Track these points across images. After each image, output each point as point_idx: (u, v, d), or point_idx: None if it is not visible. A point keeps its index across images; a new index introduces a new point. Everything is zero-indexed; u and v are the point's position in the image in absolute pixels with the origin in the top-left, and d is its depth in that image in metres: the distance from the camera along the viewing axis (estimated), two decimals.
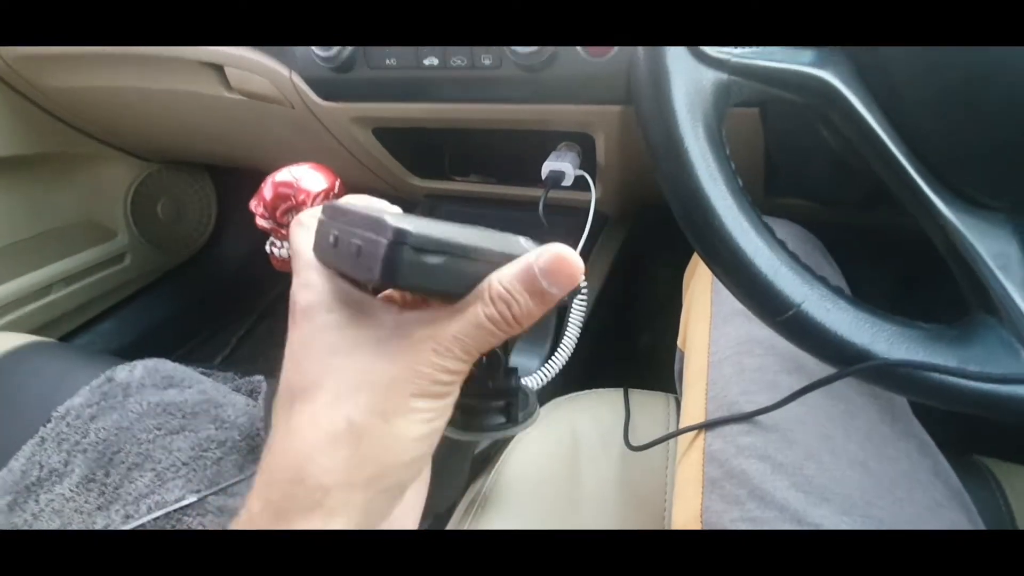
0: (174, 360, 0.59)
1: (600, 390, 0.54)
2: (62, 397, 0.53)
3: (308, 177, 0.34)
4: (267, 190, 0.33)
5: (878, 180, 0.29)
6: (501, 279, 0.18)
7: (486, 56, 0.47)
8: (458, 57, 0.48)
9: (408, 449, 0.19)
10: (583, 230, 0.58)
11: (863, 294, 0.41)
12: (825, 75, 0.26)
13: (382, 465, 0.18)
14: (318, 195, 0.34)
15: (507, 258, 0.19)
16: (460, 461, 0.39)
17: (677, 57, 0.25)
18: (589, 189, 0.58)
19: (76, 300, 0.94)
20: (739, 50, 0.26)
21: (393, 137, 0.63)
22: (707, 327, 0.40)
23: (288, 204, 0.33)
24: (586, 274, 0.57)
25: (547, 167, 0.56)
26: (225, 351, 1.09)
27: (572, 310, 0.59)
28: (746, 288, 0.26)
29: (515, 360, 0.57)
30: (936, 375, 0.23)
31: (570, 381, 0.58)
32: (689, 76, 0.25)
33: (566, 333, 0.58)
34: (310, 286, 0.20)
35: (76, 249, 0.94)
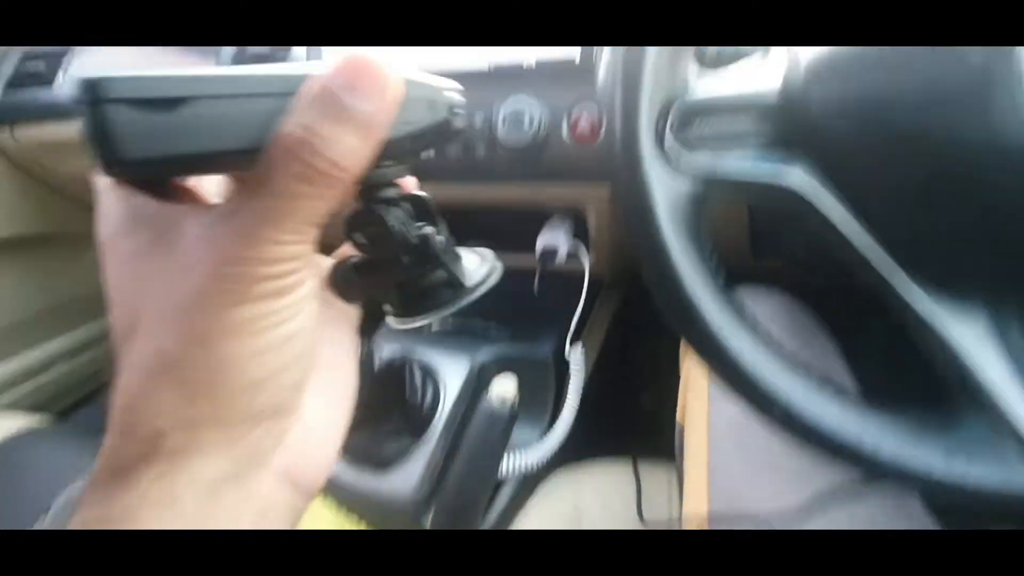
0: None
1: (601, 461, 0.53)
2: (61, 486, 0.52)
3: None
4: None
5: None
6: (295, 118, 0.14)
7: (480, 145, 0.50)
8: (453, 146, 0.51)
9: (247, 369, 0.15)
10: (579, 298, 0.60)
11: (857, 352, 0.42)
12: (791, 182, 0.27)
13: (218, 395, 0.15)
14: None
15: (293, 83, 0.14)
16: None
17: (654, 170, 0.27)
18: (581, 258, 0.60)
19: (78, 375, 0.94)
20: (710, 164, 0.28)
21: None
22: (705, 401, 0.41)
23: None
24: (583, 340, 0.57)
25: (541, 243, 0.58)
26: None
27: (570, 378, 0.59)
28: (735, 386, 0.26)
29: (517, 434, 0.57)
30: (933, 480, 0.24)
31: (571, 447, 0.58)
32: (666, 188, 0.27)
33: (566, 403, 0.58)
34: (106, 215, 0.16)
35: (78, 324, 0.95)
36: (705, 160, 0.29)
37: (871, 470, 0.25)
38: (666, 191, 0.27)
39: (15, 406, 0.83)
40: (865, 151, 0.27)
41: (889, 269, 0.27)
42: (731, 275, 0.28)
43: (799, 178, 0.28)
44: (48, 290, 0.93)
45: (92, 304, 0.97)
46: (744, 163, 0.28)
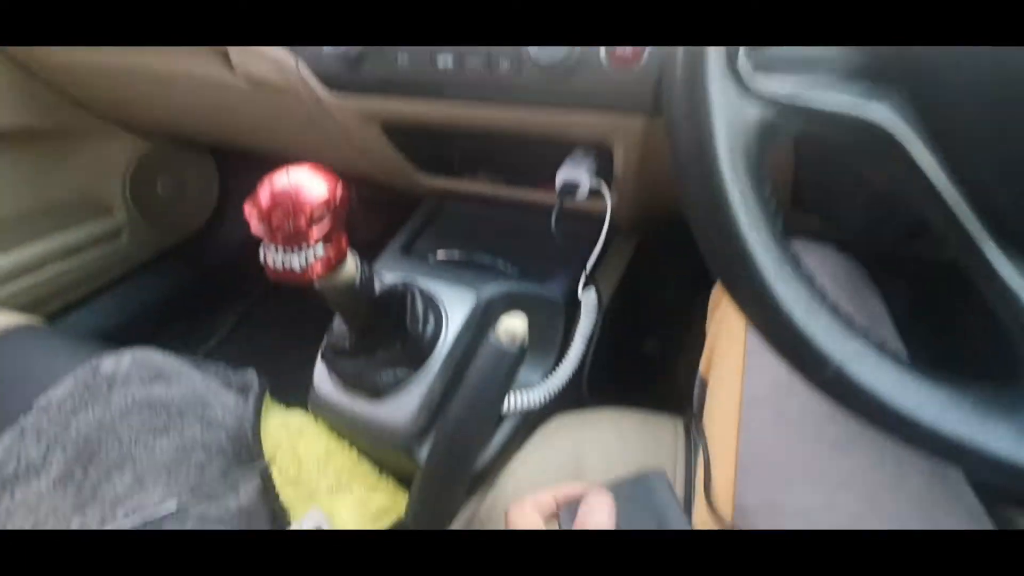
0: (168, 342, 0.57)
1: (604, 410, 0.52)
2: (45, 386, 0.51)
3: (308, 184, 0.31)
4: (264, 197, 0.31)
5: (921, 217, 0.27)
6: None
7: (504, 60, 0.45)
8: (475, 58, 0.45)
9: None
10: (595, 241, 0.56)
11: (905, 321, 0.39)
12: (877, 118, 0.23)
13: None
14: (318, 205, 0.31)
15: None
16: (457, 489, 0.37)
17: (721, 90, 0.23)
18: (603, 196, 0.56)
19: (70, 277, 0.92)
20: (787, 88, 0.24)
21: (401, 131, 0.60)
22: (740, 357, 0.38)
23: (285, 210, 0.31)
24: (596, 286, 0.54)
25: (561, 176, 0.54)
26: (222, 333, 1.07)
27: (579, 322, 0.57)
28: (784, 344, 0.23)
29: (520, 374, 0.54)
30: (998, 461, 0.21)
31: (572, 391, 0.56)
32: (732, 111, 0.23)
33: (573, 344, 0.56)
34: None
35: (71, 224, 0.92)
36: (780, 84, 0.24)
37: (928, 445, 0.22)
38: (731, 116, 0.23)
39: (5, 305, 0.80)
40: (972, 95, 0.23)
41: (976, 231, 0.24)
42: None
43: (886, 114, 0.24)
44: (38, 188, 0.89)
45: (82, 207, 0.94)
46: (826, 91, 0.24)
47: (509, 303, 0.53)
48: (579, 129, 0.52)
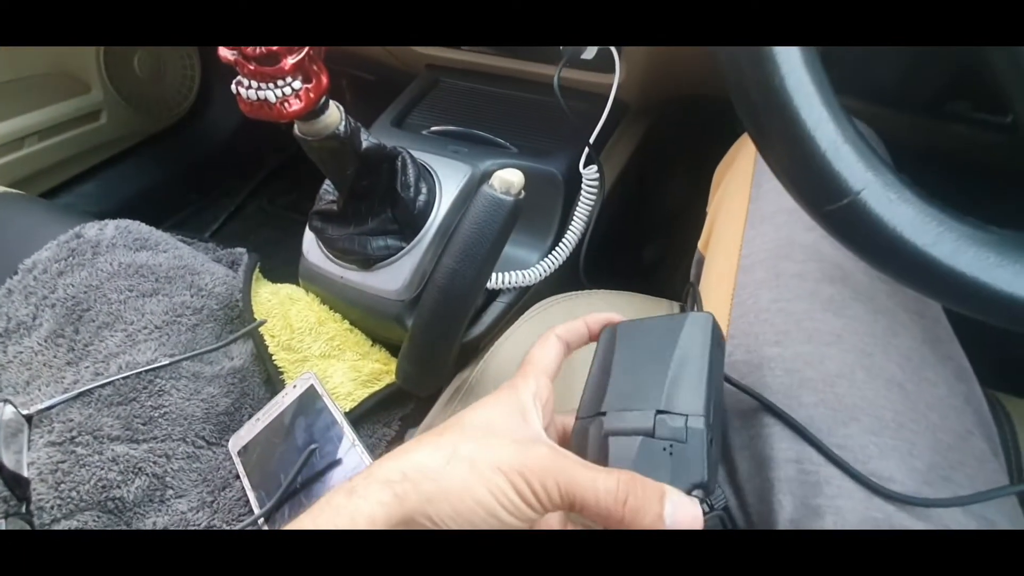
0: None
1: (599, 291, 0.51)
2: (30, 250, 0.50)
3: None
4: None
5: (950, 77, 0.24)
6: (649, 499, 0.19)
7: None
8: None
9: (463, 500, 0.19)
10: (600, 116, 0.52)
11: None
12: None
13: (424, 504, 0.19)
14: None
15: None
16: (448, 348, 0.37)
17: None
18: (611, 69, 0.52)
19: (52, 156, 0.88)
20: None
21: None
22: (740, 227, 0.36)
23: None
24: (600, 168, 0.51)
25: None
26: (213, 227, 1.05)
27: (579, 206, 0.54)
28: (798, 166, 0.21)
29: (516, 253, 0.53)
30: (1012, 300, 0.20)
31: (569, 276, 0.55)
32: None
33: (570, 229, 0.54)
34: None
35: (48, 101, 0.87)
36: None
37: (939, 285, 0.21)
38: None
39: None
40: None
41: None
42: None
43: None
44: (12, 60, 0.83)
45: (57, 82, 0.88)
46: None
47: None
48: None
